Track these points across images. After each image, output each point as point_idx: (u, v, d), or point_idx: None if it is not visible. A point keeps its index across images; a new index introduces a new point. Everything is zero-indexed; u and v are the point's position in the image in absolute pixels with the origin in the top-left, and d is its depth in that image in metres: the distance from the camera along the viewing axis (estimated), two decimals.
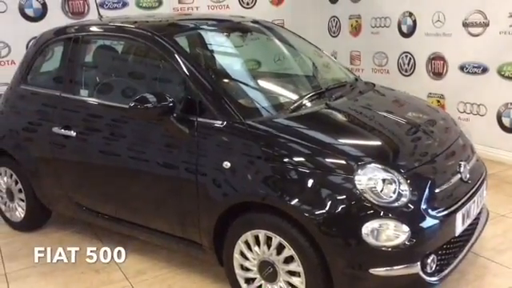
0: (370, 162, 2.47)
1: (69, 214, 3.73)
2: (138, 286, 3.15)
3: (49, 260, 3.49)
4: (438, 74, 5.57)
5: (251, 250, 2.67)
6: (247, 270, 2.72)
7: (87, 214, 3.51)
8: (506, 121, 4.97)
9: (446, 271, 2.57)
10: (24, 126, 3.67)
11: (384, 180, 2.43)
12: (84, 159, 3.35)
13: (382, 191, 2.40)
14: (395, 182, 2.44)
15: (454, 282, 2.98)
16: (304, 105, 2.96)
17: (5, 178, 3.91)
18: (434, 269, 2.50)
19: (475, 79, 5.17)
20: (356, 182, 2.39)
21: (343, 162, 2.48)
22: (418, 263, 2.42)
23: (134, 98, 2.76)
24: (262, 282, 2.68)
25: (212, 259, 2.90)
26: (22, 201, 3.85)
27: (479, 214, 3.06)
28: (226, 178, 2.66)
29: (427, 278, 2.46)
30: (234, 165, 2.64)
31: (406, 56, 5.93)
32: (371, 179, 2.41)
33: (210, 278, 3.10)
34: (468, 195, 2.70)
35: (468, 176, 2.77)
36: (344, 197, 2.39)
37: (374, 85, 3.59)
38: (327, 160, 2.49)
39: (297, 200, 2.44)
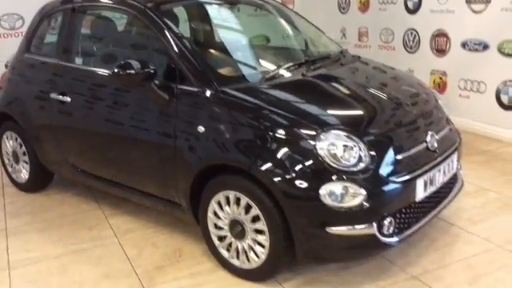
0: (331, 129, 2.59)
1: (67, 176, 3.96)
2: (125, 242, 3.36)
3: (47, 218, 3.76)
4: (441, 51, 5.58)
5: (223, 210, 2.84)
6: (220, 228, 2.89)
7: (83, 176, 3.73)
8: (504, 98, 4.97)
9: (405, 234, 2.69)
10: (27, 93, 3.89)
11: (345, 145, 2.55)
12: (78, 124, 3.56)
13: (342, 156, 2.52)
14: (356, 148, 2.55)
15: (424, 248, 3.09)
16: (281, 75, 3.08)
17: (11, 142, 4.16)
18: (391, 231, 2.62)
19: (476, 56, 5.16)
20: (317, 147, 2.52)
21: (307, 128, 2.60)
22: (375, 224, 2.54)
23: (117, 65, 2.93)
24: (232, 239, 2.84)
25: (190, 219, 3.08)
26: (26, 163, 4.10)
27: (452, 183, 3.15)
28: (200, 142, 2.82)
29: (383, 239, 2.58)
30: (208, 129, 2.79)
31: (411, 33, 5.94)
32: (332, 144, 2.53)
33: (192, 237, 3.28)
34: (432, 164, 2.79)
35: (435, 146, 2.85)
36: (305, 161, 2.52)
37: (359, 57, 3.67)
38: (292, 126, 2.62)
39: (261, 163, 2.58)
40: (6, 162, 4.31)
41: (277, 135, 2.60)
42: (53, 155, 3.85)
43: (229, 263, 2.90)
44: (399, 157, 2.66)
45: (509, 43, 4.82)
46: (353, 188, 2.48)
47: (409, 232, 2.71)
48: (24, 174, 4.19)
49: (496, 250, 3.04)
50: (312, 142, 2.53)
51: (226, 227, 2.85)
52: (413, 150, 2.73)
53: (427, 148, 2.81)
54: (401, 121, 2.86)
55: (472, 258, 2.96)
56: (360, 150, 2.56)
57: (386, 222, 2.58)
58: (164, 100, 2.95)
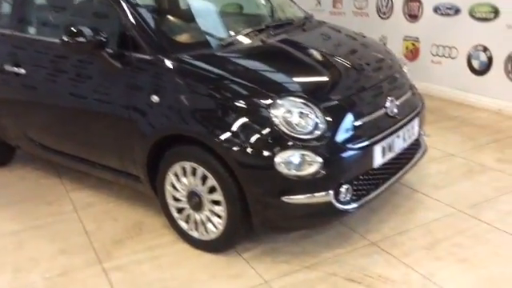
0: (286, 96, 2.52)
1: (28, 150, 3.86)
2: (85, 217, 3.30)
3: (7, 194, 3.68)
4: (413, 17, 5.49)
5: (180, 182, 2.77)
6: (178, 200, 2.84)
7: (42, 150, 3.63)
8: (475, 63, 4.92)
9: (363, 200, 2.65)
10: None
11: (301, 112, 2.48)
12: (33, 96, 3.44)
13: (297, 123, 2.46)
14: (312, 115, 2.49)
15: (385, 214, 3.08)
16: (239, 41, 2.99)
17: None
18: (348, 198, 2.58)
19: (448, 21, 5.09)
20: (272, 114, 2.45)
21: (262, 95, 2.52)
22: (331, 192, 2.50)
23: (66, 32, 2.81)
24: (191, 211, 2.79)
25: (149, 192, 3.01)
26: None
27: (415, 149, 3.12)
28: (154, 112, 2.74)
29: (340, 206, 2.54)
30: (162, 99, 2.71)
31: None
32: (287, 112, 2.47)
33: (153, 210, 3.23)
34: (391, 130, 2.74)
35: (395, 111, 2.80)
36: (260, 128, 2.46)
37: (324, 23, 3.59)
38: (247, 93, 2.55)
39: (217, 133, 2.50)
40: None
41: (231, 104, 2.53)
42: (10, 129, 3.74)
43: (188, 235, 2.86)
44: (356, 123, 2.60)
45: (480, 7, 4.75)
46: (308, 156, 2.43)
47: (367, 198, 2.68)
48: None
49: (457, 215, 3.03)
50: (267, 110, 2.46)
51: (184, 199, 2.79)
52: (371, 116, 2.68)
53: (386, 114, 2.76)
54: (360, 86, 2.79)
55: (432, 223, 2.95)
56: (316, 116, 2.50)
57: (343, 189, 2.54)
58: (117, 69, 2.85)
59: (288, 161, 2.42)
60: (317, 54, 2.99)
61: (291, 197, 2.47)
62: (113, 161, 3.14)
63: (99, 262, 2.80)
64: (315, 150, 2.44)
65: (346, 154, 2.52)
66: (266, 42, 3.01)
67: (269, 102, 2.48)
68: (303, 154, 2.43)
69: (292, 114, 2.47)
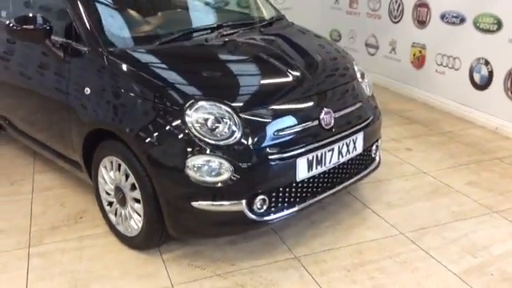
0: (204, 99, 2.47)
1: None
2: (37, 200, 3.37)
3: None
4: (421, 23, 5.24)
5: (109, 176, 2.79)
6: (108, 193, 2.85)
7: (11, 128, 3.75)
8: (476, 77, 4.65)
9: (284, 214, 2.57)
10: None
11: (216, 118, 2.43)
12: None
13: (212, 129, 2.41)
14: (228, 121, 2.43)
15: (324, 228, 2.98)
16: (180, 39, 2.95)
17: None
18: (264, 209, 2.51)
19: (453, 30, 4.83)
20: (186, 118, 2.41)
21: (179, 96, 2.49)
22: (243, 201, 2.43)
23: (13, 18, 2.86)
24: (118, 205, 2.80)
25: (88, 180, 3.05)
26: None
27: (364, 164, 3.00)
28: (86, 103, 2.76)
29: (254, 217, 2.47)
30: (92, 91, 2.72)
31: (396, 1, 5.59)
32: (203, 116, 2.41)
33: None
34: (322, 143, 2.63)
35: (332, 124, 2.69)
36: (173, 131, 2.42)
37: (292, 24, 3.49)
38: (165, 93, 2.51)
39: (132, 130, 2.50)
40: None
41: (149, 103, 2.50)
42: None
43: (115, 229, 2.87)
44: (279, 133, 2.52)
45: (484, 17, 4.47)
46: (221, 163, 2.37)
47: (288, 212, 2.59)
48: None
49: (396, 238, 2.88)
50: (182, 112, 2.42)
51: (112, 193, 2.81)
52: (297, 127, 2.58)
53: (320, 126, 2.65)
54: (294, 95, 2.70)
55: (366, 244, 2.82)
56: (234, 123, 2.43)
57: (258, 199, 2.47)
58: (59, 58, 2.89)
59: (199, 166, 2.37)
60: (258, 59, 2.90)
61: (201, 202, 2.43)
62: (58, 146, 3.20)
63: (28, 247, 2.87)
64: (228, 158, 2.39)
65: (261, 165, 2.45)
66: (208, 42, 2.95)
67: (185, 104, 2.44)
68: (215, 161, 2.37)
69: (207, 118, 2.42)
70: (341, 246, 2.81)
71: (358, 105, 2.93)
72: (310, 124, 2.62)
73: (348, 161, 2.84)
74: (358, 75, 3.13)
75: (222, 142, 2.40)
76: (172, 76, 2.65)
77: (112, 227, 2.90)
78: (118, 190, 2.74)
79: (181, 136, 2.41)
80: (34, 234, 2.98)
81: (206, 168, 2.37)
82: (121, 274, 2.62)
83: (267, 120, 2.52)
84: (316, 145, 2.61)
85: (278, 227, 2.94)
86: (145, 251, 2.77)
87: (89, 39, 2.79)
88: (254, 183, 2.46)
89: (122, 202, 2.74)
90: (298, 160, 2.52)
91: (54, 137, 3.20)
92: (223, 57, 2.94)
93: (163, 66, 2.76)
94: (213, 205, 2.43)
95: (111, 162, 2.73)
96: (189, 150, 2.39)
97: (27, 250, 2.83)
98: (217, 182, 2.39)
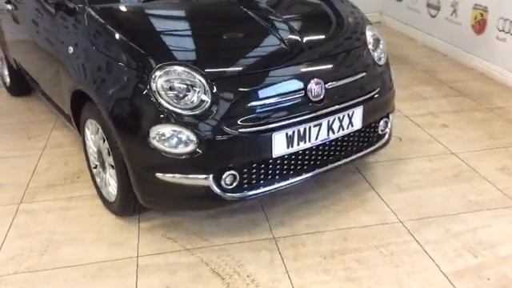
0: (172, 65, 2.28)
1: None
2: (46, 156, 3.41)
3: (4, 122, 3.98)
4: None
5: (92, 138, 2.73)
6: (94, 156, 2.80)
7: (32, 83, 3.83)
8: None
9: (255, 192, 2.39)
10: None
11: (185, 85, 2.25)
12: (16, 30, 3.61)
13: (179, 96, 2.24)
14: (197, 89, 2.24)
15: (317, 208, 2.75)
16: None
17: None
18: (233, 185, 2.33)
19: None
20: (152, 84, 2.24)
21: (148, 59, 2.31)
22: (210, 176, 2.27)
23: None
24: (100, 169, 2.75)
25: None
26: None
27: (367, 142, 2.71)
28: (70, 63, 2.68)
29: (222, 193, 2.31)
30: (74, 50, 2.64)
31: None
32: (169, 82, 2.24)
33: None
34: (306, 117, 2.37)
35: (321, 96, 2.41)
36: (139, 96, 2.28)
37: None
38: (133, 56, 2.36)
39: (101, 92, 2.40)
40: None
41: (118, 65, 2.37)
42: (18, 60, 3.97)
43: (100, 192, 2.83)
44: (254, 104, 2.29)
45: None
46: (185, 134, 2.21)
47: (263, 190, 2.40)
48: (6, 77, 4.42)
49: (393, 226, 2.59)
50: (148, 77, 2.25)
51: (95, 155, 2.75)
52: (275, 99, 2.33)
53: (307, 97, 2.39)
54: (277, 62, 2.44)
55: (356, 230, 2.57)
56: (203, 92, 2.24)
57: (227, 175, 2.29)
58: (51, 14, 2.84)
59: (162, 136, 2.23)
60: (247, 20, 2.65)
61: (166, 174, 2.30)
62: (56, 98, 3.19)
63: (19, 203, 2.91)
64: (194, 129, 2.21)
65: (230, 138, 2.24)
66: (198, 1, 2.74)
67: (152, 68, 2.26)
68: (180, 131, 2.22)
69: (175, 85, 2.24)
70: (327, 229, 2.58)
71: (359, 75, 2.61)
72: (293, 95, 2.36)
73: (343, 137, 2.56)
74: (370, 41, 2.78)
75: (189, 112, 2.23)
76: (145, 37, 2.48)
77: (98, 190, 2.86)
78: (99, 153, 2.68)
79: (145, 102, 2.26)
80: (29, 191, 3.02)
81: (170, 138, 2.22)
82: (94, 239, 2.58)
83: (243, 89, 2.30)
84: (298, 119, 2.36)
85: (267, 204, 2.76)
86: (124, 218, 2.71)
87: None
88: (221, 157, 2.28)
89: (103, 166, 2.68)
90: (273, 135, 2.30)
91: (54, 89, 3.20)
92: (208, 16, 2.72)
93: (139, 25, 2.60)
94: (177, 177, 2.29)
95: (93, 124, 2.66)
96: (153, 117, 2.24)
97: (16, 207, 2.88)
98: (181, 154, 2.23)
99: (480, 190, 2.88)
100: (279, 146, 2.33)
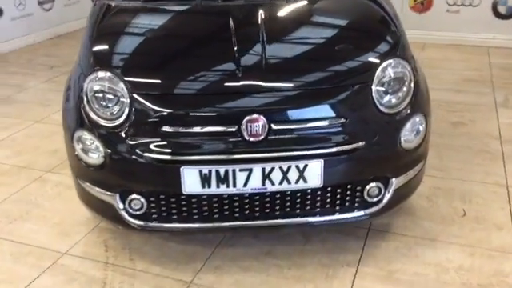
0: (103, 70, 2.14)
1: None
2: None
3: None
4: None
5: None
6: None
7: None
8: None
9: (162, 225, 2.14)
10: None
11: (108, 94, 2.10)
12: None
13: (101, 105, 2.11)
14: (118, 99, 2.08)
15: (267, 265, 2.29)
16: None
17: None
18: (141, 212, 2.12)
19: None
20: (83, 87, 2.15)
21: (88, 62, 2.22)
22: (117, 196, 2.10)
23: None
24: None
25: None
26: None
27: (342, 206, 2.15)
28: None
29: (126, 216, 2.13)
30: None
31: None
32: (95, 88, 2.12)
33: None
34: (230, 157, 1.98)
35: (261, 136, 1.97)
36: (73, 98, 2.22)
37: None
38: (85, 56, 2.29)
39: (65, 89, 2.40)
40: None
41: (77, 62, 2.34)
42: None
43: None
44: (167, 128, 2.00)
45: None
46: (96, 144, 2.09)
47: (170, 226, 2.13)
48: None
49: None
50: (83, 81, 2.17)
51: None
52: (196, 128, 1.99)
53: (239, 135, 1.97)
54: (214, 89, 2.09)
55: None
56: (123, 105, 2.06)
57: (131, 198, 2.10)
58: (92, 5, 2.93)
59: (80, 141, 2.14)
60: (217, 38, 2.34)
61: (82, 181, 2.23)
62: None
63: (47, 171, 3.16)
64: (104, 141, 2.07)
65: (135, 160, 2.02)
66: (198, 5, 2.48)
67: (87, 72, 2.18)
68: (93, 141, 2.10)
69: (99, 93, 2.11)
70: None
71: (334, 121, 2.02)
72: (222, 129, 1.98)
73: (294, 192, 2.06)
74: (385, 80, 2.12)
75: (105, 122, 2.08)
76: (110, 39, 2.35)
77: None
78: None
79: (75, 106, 2.18)
80: (66, 163, 3.25)
81: (85, 145, 2.13)
82: (54, 223, 2.65)
83: (163, 110, 2.03)
84: (217, 157, 1.98)
85: (225, 243, 2.42)
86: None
87: None
88: (126, 179, 2.09)
89: None
90: (182, 169, 1.97)
91: None
92: (180, 26, 2.45)
93: (118, 26, 2.47)
94: (89, 187, 2.19)
95: None
96: (77, 121, 2.17)
97: (42, 174, 3.14)
98: (91, 165, 2.12)
99: None
100: (192, 183, 2.00)
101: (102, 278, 2.25)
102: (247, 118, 1.96)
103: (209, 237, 2.46)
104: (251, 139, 1.97)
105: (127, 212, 2.12)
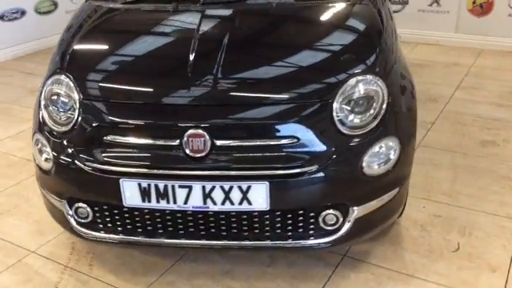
0: (61, 73, 2.12)
1: None
2: None
3: None
4: None
5: None
6: None
7: None
8: None
9: (103, 236, 2.07)
10: None
11: (63, 97, 2.08)
12: None
13: (57, 108, 2.09)
14: (70, 104, 2.05)
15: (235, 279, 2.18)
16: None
17: None
18: (87, 220, 2.08)
19: None
20: (43, 88, 2.16)
21: (55, 62, 2.23)
22: (65, 201, 2.08)
23: None
24: None
25: None
26: None
27: (291, 231, 2.00)
28: None
29: (75, 224, 2.10)
30: None
31: None
32: (52, 91, 2.11)
33: None
34: (168, 172, 1.88)
35: (202, 153, 1.85)
36: (39, 98, 2.19)
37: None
38: (56, 54, 2.28)
39: None
40: None
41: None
42: None
43: None
44: (109, 137, 1.93)
45: None
46: (47, 149, 2.07)
47: (110, 237, 2.06)
48: None
49: None
50: (44, 83, 2.18)
51: None
52: (137, 140, 1.92)
53: (182, 150, 1.87)
54: (160, 100, 2.00)
55: None
56: (73, 110, 2.03)
57: (76, 206, 2.07)
58: None
59: (37, 144, 2.14)
60: (180, 45, 2.20)
61: (39, 184, 2.23)
62: None
63: None
64: (53, 146, 2.05)
65: (77, 168, 1.97)
66: (175, 10, 2.36)
67: (48, 75, 2.18)
68: (44, 145, 2.09)
69: (54, 96, 2.10)
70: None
71: (281, 140, 1.86)
72: (162, 142, 1.89)
73: (239, 214, 1.93)
74: (352, 98, 1.93)
75: (56, 127, 2.07)
76: (80, 40, 2.30)
77: None
78: None
79: (38, 106, 2.18)
80: None
81: (38, 148, 2.12)
82: (34, 221, 2.68)
83: (109, 118, 1.97)
84: (155, 172, 1.89)
85: (187, 258, 2.33)
86: None
87: None
88: (70, 186, 2.05)
89: None
90: (121, 181, 1.90)
91: None
92: (148, 33, 2.36)
93: (95, 27, 2.43)
94: (45, 192, 2.19)
95: None
96: (38, 123, 2.16)
97: None
98: (43, 170, 2.11)
99: None
100: (131, 196, 1.92)
101: (56, 282, 2.24)
102: (190, 132, 1.85)
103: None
104: (193, 155, 1.86)
105: (75, 220, 2.09)
